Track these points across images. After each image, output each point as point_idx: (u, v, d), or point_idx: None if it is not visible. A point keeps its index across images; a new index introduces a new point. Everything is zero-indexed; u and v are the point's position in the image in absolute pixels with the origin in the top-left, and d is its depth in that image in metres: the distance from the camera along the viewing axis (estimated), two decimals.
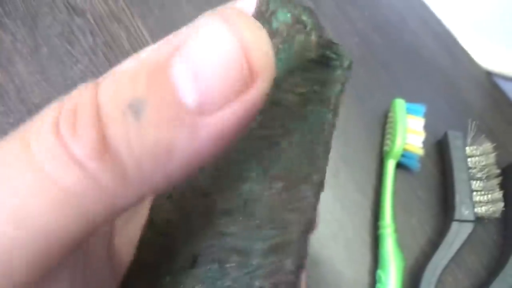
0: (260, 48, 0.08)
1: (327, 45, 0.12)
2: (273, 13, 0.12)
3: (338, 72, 0.13)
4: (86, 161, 0.08)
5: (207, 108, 0.08)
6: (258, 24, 0.09)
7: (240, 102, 0.08)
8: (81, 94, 0.08)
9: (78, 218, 0.08)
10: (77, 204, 0.08)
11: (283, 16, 0.12)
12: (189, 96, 0.08)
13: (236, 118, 0.08)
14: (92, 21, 0.40)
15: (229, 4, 0.13)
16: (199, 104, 0.08)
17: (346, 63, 0.13)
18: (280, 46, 0.12)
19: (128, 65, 0.09)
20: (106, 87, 0.08)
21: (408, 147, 0.34)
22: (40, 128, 0.08)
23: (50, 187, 0.08)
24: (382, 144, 0.37)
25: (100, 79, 0.09)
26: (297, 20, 0.12)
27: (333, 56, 0.13)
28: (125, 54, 0.38)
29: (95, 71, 0.38)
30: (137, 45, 0.39)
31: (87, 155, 0.08)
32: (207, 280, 0.12)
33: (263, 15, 0.12)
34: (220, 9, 0.09)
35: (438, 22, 0.44)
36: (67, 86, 0.38)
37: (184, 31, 0.09)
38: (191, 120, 0.08)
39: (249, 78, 0.08)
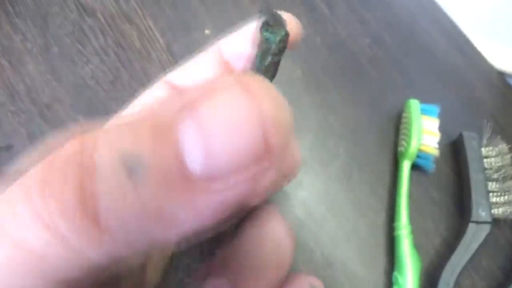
0: (280, 124, 0.08)
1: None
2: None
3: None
4: (55, 221, 0.07)
5: (212, 177, 0.07)
6: (280, 98, 0.08)
7: (249, 175, 0.07)
8: (71, 144, 0.07)
9: (42, 277, 0.07)
10: (40, 265, 0.07)
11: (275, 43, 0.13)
12: (195, 160, 0.07)
13: (242, 191, 0.08)
14: (103, 20, 0.39)
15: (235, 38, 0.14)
16: (205, 171, 0.07)
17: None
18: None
19: (132, 114, 0.09)
20: (103, 135, 0.07)
21: (423, 147, 0.34)
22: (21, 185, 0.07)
23: (10, 247, 0.07)
24: (396, 145, 0.36)
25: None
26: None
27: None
28: (137, 54, 0.38)
29: (106, 71, 0.38)
30: (148, 45, 0.39)
31: (58, 214, 0.07)
32: None
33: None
34: (241, 75, 0.08)
35: (450, 22, 0.43)
36: (78, 86, 0.37)
37: (199, 89, 0.08)
38: (192, 187, 0.07)
39: (263, 152, 0.07)
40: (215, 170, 0.07)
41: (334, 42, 0.40)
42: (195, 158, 0.07)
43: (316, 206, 0.34)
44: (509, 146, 0.35)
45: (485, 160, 0.34)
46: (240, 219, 0.11)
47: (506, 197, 0.33)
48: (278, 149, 0.08)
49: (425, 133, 0.34)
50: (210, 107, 0.07)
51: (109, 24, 0.39)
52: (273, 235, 0.11)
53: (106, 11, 0.40)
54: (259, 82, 0.08)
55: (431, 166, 0.35)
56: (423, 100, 0.36)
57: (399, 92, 0.39)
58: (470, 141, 0.35)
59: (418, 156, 0.34)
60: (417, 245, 0.32)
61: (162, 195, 0.07)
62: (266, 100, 0.07)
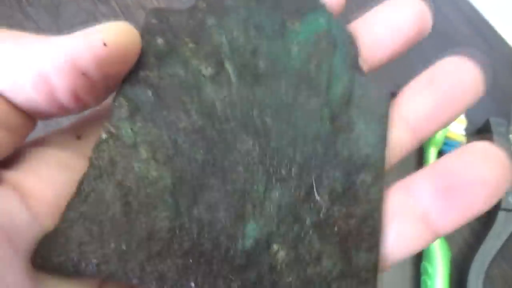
0: None
1: None
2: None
3: None
4: None
5: None
6: None
7: None
8: None
9: None
10: None
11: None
12: None
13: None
14: (117, 9, 0.38)
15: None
16: None
17: None
18: None
19: None
20: None
21: (449, 134, 0.33)
22: None
23: None
24: None
25: None
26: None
27: None
28: None
29: None
30: None
31: None
32: None
33: None
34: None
35: (472, 8, 0.42)
36: None
37: None
38: None
39: None
40: None
41: None
42: None
43: None
44: None
45: None
46: None
47: None
48: None
49: None
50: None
51: (124, 13, 0.38)
52: None
53: (121, 0, 0.39)
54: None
55: None
56: None
57: None
58: (497, 127, 0.34)
59: (444, 143, 0.33)
60: (446, 235, 0.31)
61: None
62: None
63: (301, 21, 0.15)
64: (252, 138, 0.13)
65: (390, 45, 0.16)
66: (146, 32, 0.14)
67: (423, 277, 0.30)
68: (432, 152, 0.33)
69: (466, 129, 0.34)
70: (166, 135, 0.13)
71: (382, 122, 0.15)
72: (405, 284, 0.31)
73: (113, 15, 0.38)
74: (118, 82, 0.13)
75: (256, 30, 0.15)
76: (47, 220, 0.12)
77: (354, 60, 0.15)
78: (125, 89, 0.13)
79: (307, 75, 0.15)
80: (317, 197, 0.13)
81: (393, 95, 0.15)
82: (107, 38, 0.12)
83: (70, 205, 0.12)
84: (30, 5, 0.38)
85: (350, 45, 0.15)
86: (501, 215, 0.31)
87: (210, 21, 0.15)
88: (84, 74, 0.12)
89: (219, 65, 0.14)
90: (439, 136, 0.33)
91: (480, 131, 0.36)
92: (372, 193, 0.14)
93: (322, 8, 0.16)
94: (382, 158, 0.14)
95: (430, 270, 0.29)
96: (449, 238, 0.32)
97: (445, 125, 0.15)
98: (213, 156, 0.13)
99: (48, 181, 0.12)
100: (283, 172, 0.13)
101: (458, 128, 0.33)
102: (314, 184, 0.13)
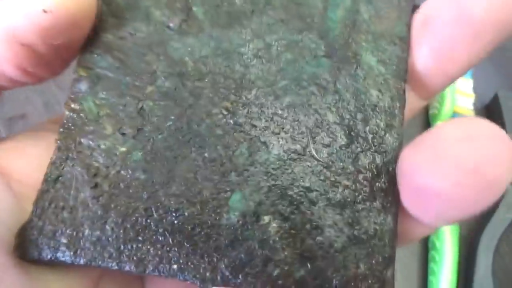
0: None
1: None
2: None
3: None
4: None
5: None
6: None
7: None
8: None
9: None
10: None
11: None
12: None
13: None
14: None
15: None
16: None
17: None
18: None
19: None
20: None
21: (457, 109, 0.32)
22: None
23: None
24: (427, 107, 0.35)
25: None
26: None
27: None
28: None
29: None
30: None
31: None
32: None
33: None
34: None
35: None
36: None
37: None
38: None
39: None
40: None
41: None
42: None
43: None
44: None
45: None
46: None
47: None
48: None
49: (459, 94, 0.33)
50: None
51: None
52: None
53: None
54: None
55: None
56: None
57: None
58: (506, 101, 0.33)
59: (452, 118, 0.33)
60: None
61: None
62: None
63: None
64: (232, 94, 0.12)
65: None
66: None
67: (431, 252, 0.29)
68: None
69: (474, 104, 0.33)
70: (131, 104, 0.12)
71: (400, 49, 0.12)
72: (413, 258, 0.30)
73: None
74: (74, 50, 0.12)
75: None
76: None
77: None
78: (84, 57, 0.12)
79: (295, 2, 0.12)
80: (314, 153, 0.12)
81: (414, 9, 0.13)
82: (48, 3, 0.10)
83: (40, 192, 0.11)
84: None
85: None
86: (509, 189, 0.31)
87: None
88: (25, 45, 0.11)
89: (186, 11, 0.12)
90: (447, 110, 0.32)
91: (488, 105, 0.35)
92: (387, 142, 0.12)
93: None
94: (400, 99, 0.12)
95: (438, 244, 0.29)
96: None
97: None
98: (187, 120, 0.12)
99: (36, 163, 0.12)
100: (271, 129, 0.12)
101: (466, 103, 0.33)
102: (309, 137, 0.12)
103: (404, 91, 0.12)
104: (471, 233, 0.31)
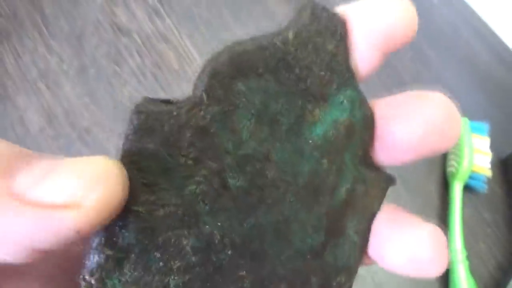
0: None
1: None
2: None
3: None
4: None
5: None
6: None
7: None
8: None
9: None
10: None
11: None
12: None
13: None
14: (139, 41, 0.39)
15: None
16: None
17: None
18: None
19: None
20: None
21: (474, 168, 0.33)
22: None
23: None
24: (444, 165, 0.35)
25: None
26: None
27: None
28: (174, 74, 0.38)
29: (144, 92, 0.37)
30: (186, 65, 0.38)
31: None
32: None
33: None
34: None
35: (491, 33, 0.42)
36: (117, 108, 0.37)
37: None
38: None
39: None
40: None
41: None
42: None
43: None
44: None
45: None
46: None
47: None
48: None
49: (476, 153, 0.33)
50: None
51: (145, 44, 0.38)
52: None
53: (142, 31, 0.39)
54: None
55: (483, 187, 0.33)
56: (469, 117, 0.35)
57: None
58: None
59: (469, 177, 0.33)
60: (471, 269, 0.31)
61: None
62: None
63: (321, 108, 0.13)
64: (248, 264, 0.12)
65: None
66: (131, 154, 0.11)
67: None
68: (457, 187, 0.33)
69: (491, 161, 0.34)
70: (158, 281, 0.11)
71: (369, 220, 0.13)
72: None
73: (135, 47, 0.38)
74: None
75: (270, 127, 0.12)
76: None
77: (366, 150, 0.13)
78: (110, 234, 0.11)
79: (313, 182, 0.13)
80: None
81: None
82: (81, 223, 0.08)
83: None
84: (53, 38, 0.39)
85: (367, 130, 0.13)
86: None
87: (213, 124, 0.12)
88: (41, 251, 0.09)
89: (222, 185, 0.12)
90: (465, 169, 0.33)
91: (505, 162, 0.36)
92: None
93: (351, 79, 0.13)
94: (360, 256, 0.13)
95: None
96: (475, 272, 0.32)
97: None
98: None
99: None
100: None
101: (483, 161, 0.33)
102: None
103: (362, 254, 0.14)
104: None
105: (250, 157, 0.12)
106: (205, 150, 0.12)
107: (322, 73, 0.12)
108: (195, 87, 0.11)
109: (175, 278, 0.11)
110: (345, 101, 0.13)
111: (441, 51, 0.40)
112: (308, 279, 0.13)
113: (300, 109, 0.13)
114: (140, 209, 0.11)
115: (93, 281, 0.10)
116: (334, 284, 0.13)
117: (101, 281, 0.10)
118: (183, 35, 0.39)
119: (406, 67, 0.39)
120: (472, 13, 0.43)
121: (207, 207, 0.12)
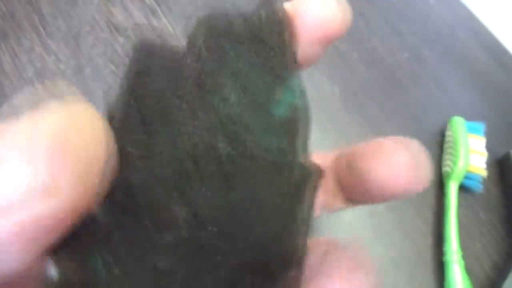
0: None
1: None
2: None
3: None
4: None
5: None
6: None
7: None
8: None
9: None
10: None
11: None
12: None
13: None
14: (134, 39, 0.39)
15: None
16: None
17: None
18: None
19: None
20: None
21: (470, 168, 0.33)
22: None
23: None
24: (440, 165, 0.35)
25: None
26: None
27: None
28: None
29: None
30: None
31: None
32: None
33: None
34: None
35: (488, 33, 0.42)
36: None
37: None
38: None
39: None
40: None
41: (371, 57, 0.39)
42: None
43: (361, 230, 0.33)
44: None
45: None
46: None
47: None
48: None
49: (472, 153, 0.33)
50: None
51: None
52: None
53: (138, 30, 0.39)
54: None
55: (479, 187, 0.33)
56: (465, 117, 0.35)
57: (440, 109, 0.38)
58: None
59: (465, 177, 0.33)
60: (467, 268, 0.31)
61: None
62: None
63: (282, 88, 0.13)
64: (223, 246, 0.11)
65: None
66: (135, 90, 0.11)
67: None
68: (453, 187, 0.33)
69: (487, 161, 0.34)
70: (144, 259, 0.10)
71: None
72: None
73: (131, 45, 0.38)
74: None
75: (245, 93, 0.13)
76: None
77: (305, 144, 0.13)
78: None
79: (279, 161, 0.13)
80: None
81: None
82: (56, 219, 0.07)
83: None
84: (50, 38, 0.39)
85: (306, 122, 0.13)
86: None
87: (207, 79, 0.12)
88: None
89: (211, 147, 0.11)
90: (461, 169, 0.33)
91: (500, 162, 0.36)
92: None
93: (295, 69, 0.13)
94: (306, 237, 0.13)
95: None
96: (470, 272, 0.32)
97: None
98: None
99: None
100: None
101: (479, 161, 0.33)
102: None
103: None
104: None
105: (232, 120, 0.12)
106: (199, 101, 0.11)
107: (280, 58, 0.13)
108: (191, 42, 0.12)
109: (162, 258, 0.10)
110: (294, 87, 0.13)
111: (438, 52, 0.40)
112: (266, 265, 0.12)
113: (269, 86, 0.13)
114: (134, 150, 0.10)
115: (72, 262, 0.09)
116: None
117: (82, 260, 0.09)
118: (179, 34, 0.39)
119: (402, 68, 0.39)
120: (469, 14, 0.43)
121: (197, 173, 0.11)
